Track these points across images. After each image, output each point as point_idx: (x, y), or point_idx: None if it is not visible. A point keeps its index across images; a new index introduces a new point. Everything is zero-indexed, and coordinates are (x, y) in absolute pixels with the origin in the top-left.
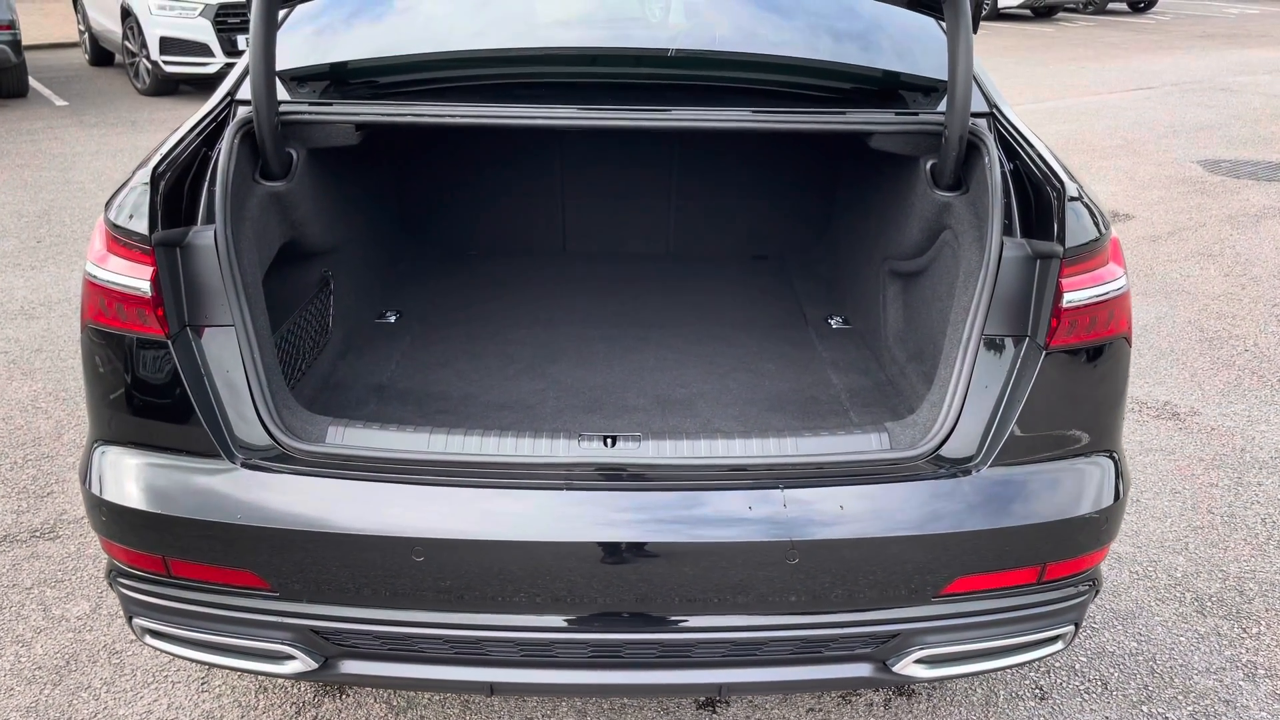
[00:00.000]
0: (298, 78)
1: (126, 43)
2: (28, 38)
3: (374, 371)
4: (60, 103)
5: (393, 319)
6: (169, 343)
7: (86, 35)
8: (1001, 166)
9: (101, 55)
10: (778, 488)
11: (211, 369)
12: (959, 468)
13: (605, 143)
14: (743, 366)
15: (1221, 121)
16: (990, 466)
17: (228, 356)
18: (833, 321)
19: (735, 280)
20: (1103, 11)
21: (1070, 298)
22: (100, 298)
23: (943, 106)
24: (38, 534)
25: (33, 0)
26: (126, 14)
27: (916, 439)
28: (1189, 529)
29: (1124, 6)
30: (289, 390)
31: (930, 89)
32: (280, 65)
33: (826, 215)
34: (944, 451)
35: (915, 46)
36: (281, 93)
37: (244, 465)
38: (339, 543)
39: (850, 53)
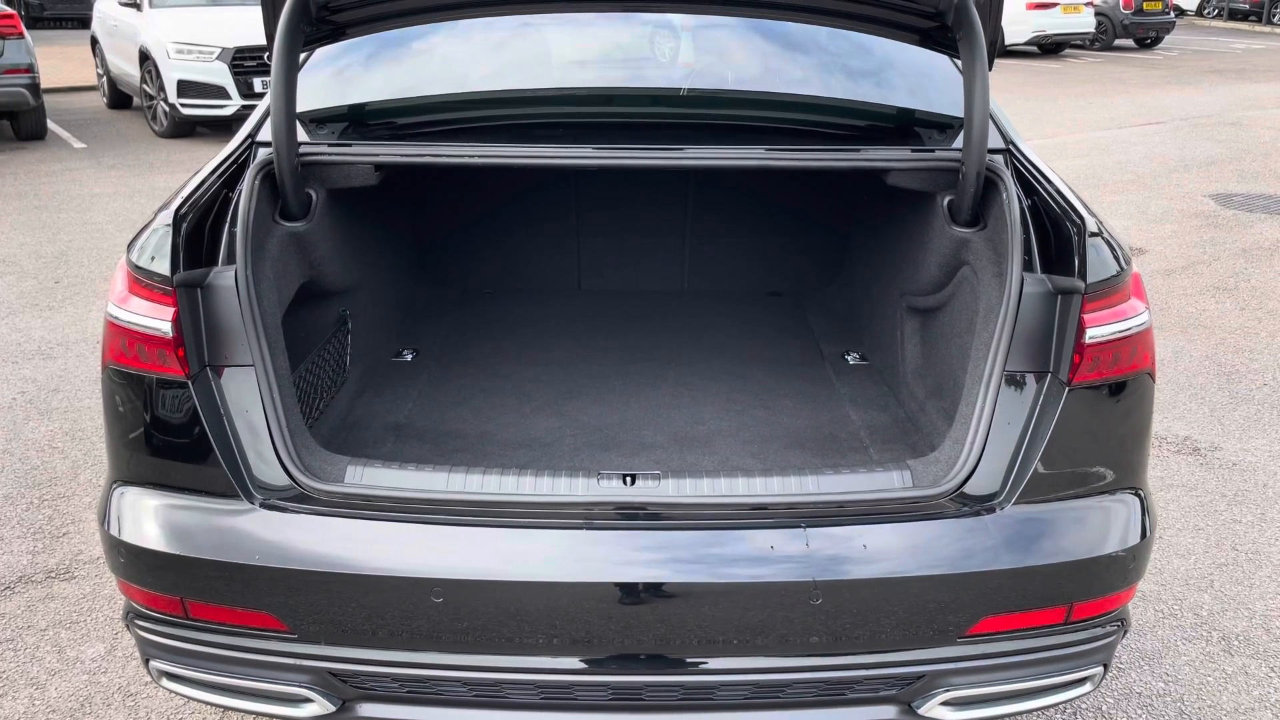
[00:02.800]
0: (317, 119)
1: (144, 86)
2: (46, 81)
3: (391, 410)
4: (79, 145)
5: (409, 357)
6: (189, 383)
7: (105, 79)
8: (1020, 202)
9: (119, 98)
10: (800, 526)
11: (231, 409)
12: (983, 506)
13: (620, 181)
14: (760, 403)
15: (1232, 156)
16: (1014, 504)
17: (247, 396)
18: (850, 358)
19: (751, 317)
20: (1109, 48)
21: (1093, 333)
22: (121, 338)
23: (959, 143)
24: (53, 575)
25: (51, 44)
26: (145, 58)
27: (939, 477)
28: (1213, 566)
29: (1130, 43)
30: (308, 430)
31: (945, 125)
32: (300, 107)
33: (841, 252)
34: (967, 489)
35: (929, 84)
36: (301, 134)
37: (263, 505)
38: (358, 584)
39: (864, 90)
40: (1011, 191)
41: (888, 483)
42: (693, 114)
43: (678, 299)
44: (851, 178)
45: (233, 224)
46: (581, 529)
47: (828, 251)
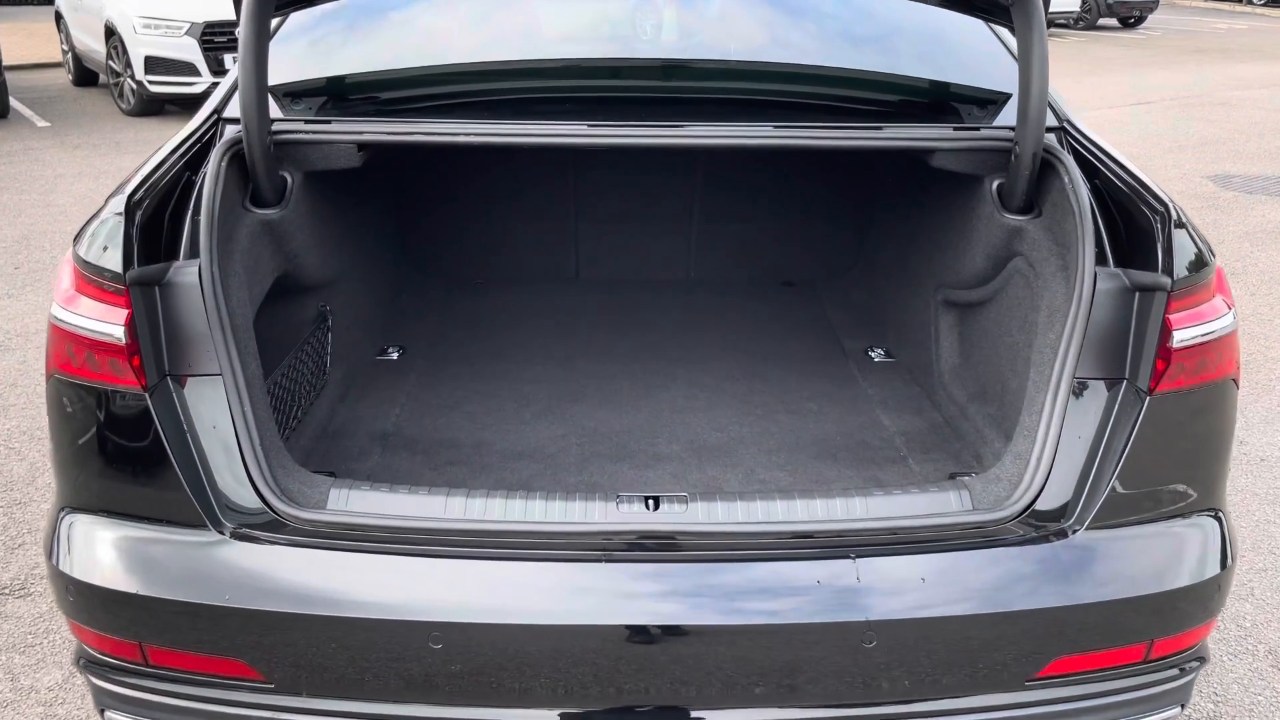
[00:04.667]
0: (292, 93)
1: (110, 62)
2: (9, 57)
3: (377, 417)
4: (42, 124)
5: (395, 356)
6: (147, 396)
7: (70, 55)
8: (1085, 187)
9: (85, 75)
10: (849, 557)
11: (196, 425)
12: (1053, 531)
13: (621, 162)
14: (782, 406)
15: (1226, 136)
16: (1087, 529)
17: (215, 410)
18: (874, 354)
19: (763, 309)
20: (1093, 27)
21: (1180, 336)
22: (68, 345)
23: (1004, 120)
24: (7, 591)
25: (15, 20)
26: (110, 33)
27: (1002, 497)
28: (1252, 572)
29: (1114, 22)
30: (284, 446)
31: (986, 101)
32: (273, 80)
33: (861, 239)
34: (1034, 513)
35: (962, 53)
36: (274, 110)
37: (233, 536)
38: (343, 627)
39: (891, 61)
40: (1075, 174)
41: (945, 504)
42: (701, 88)
43: (683, 289)
44: (874, 159)
45: (196, 212)
46: (600, 561)
47: (846, 239)
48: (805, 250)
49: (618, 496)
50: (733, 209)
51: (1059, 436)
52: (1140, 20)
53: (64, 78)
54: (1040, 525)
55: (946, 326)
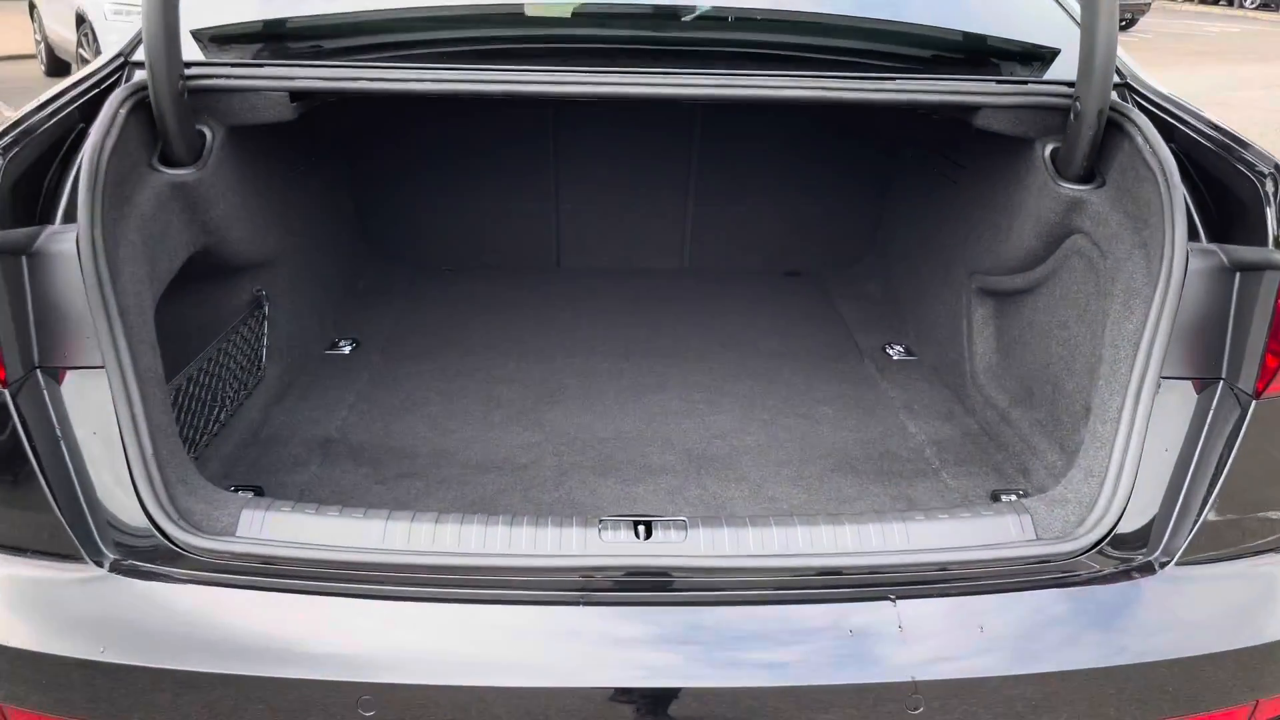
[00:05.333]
0: (220, 38)
1: (80, 50)
2: None
3: (320, 420)
4: (11, 113)
5: (347, 349)
6: (6, 393)
7: (42, 45)
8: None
9: (58, 65)
10: (888, 599)
11: (72, 430)
12: (1136, 566)
13: (608, 131)
14: (791, 409)
15: None
16: (1178, 564)
17: (96, 412)
18: (892, 351)
19: (766, 301)
20: None
21: None
22: None
23: (1057, 74)
24: None
25: None
26: (81, 20)
27: (1071, 524)
28: None
29: None
30: (189, 456)
31: (1030, 57)
32: (196, 22)
33: (876, 222)
34: (1113, 543)
35: (997, 4)
36: (195, 54)
37: (115, 569)
38: (251, 688)
39: (918, 13)
40: (1151, 134)
41: (1003, 532)
42: (701, 39)
43: (677, 279)
44: (893, 126)
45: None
46: (577, 604)
47: (859, 222)
48: (813, 235)
49: (600, 520)
50: (733, 188)
51: (1141, 449)
52: (1132, 23)
53: (37, 69)
54: (1121, 558)
55: (981, 319)
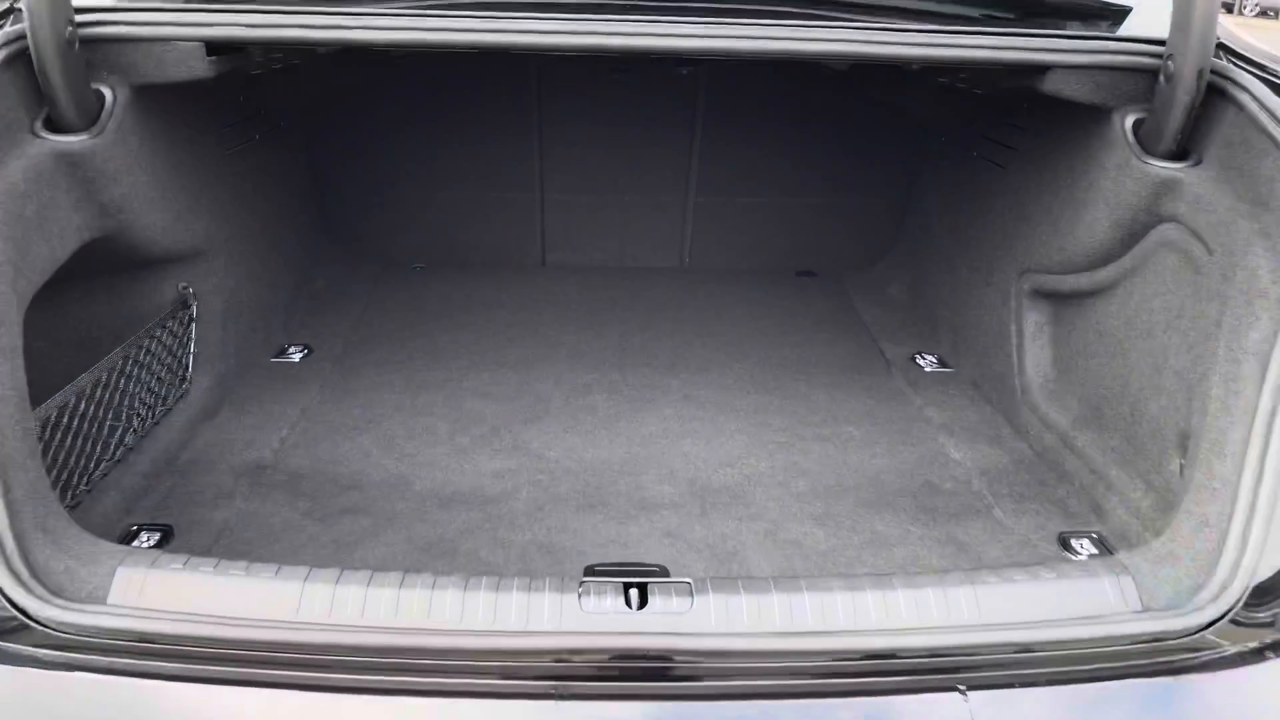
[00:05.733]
0: None
1: None
2: None
3: (255, 440)
4: None
5: (297, 357)
6: None
7: None
8: None
9: None
10: (956, 689)
11: None
12: (1271, 646)
13: (601, 109)
14: (811, 431)
15: None
16: None
17: None
18: (923, 361)
19: (777, 304)
20: None
21: None
22: None
23: (1132, 31)
24: None
25: None
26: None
27: (1185, 590)
28: None
29: None
30: (73, 491)
31: (1097, 15)
32: None
33: (900, 212)
34: (1244, 615)
35: None
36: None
37: None
38: None
39: None
40: (1270, 99)
41: (1098, 599)
42: None
43: (677, 280)
44: (923, 98)
45: None
46: (548, 698)
47: (880, 212)
48: (829, 230)
49: (581, 583)
50: (739, 176)
51: (1277, 494)
52: None
53: None
54: (1255, 627)
55: (1034, 325)
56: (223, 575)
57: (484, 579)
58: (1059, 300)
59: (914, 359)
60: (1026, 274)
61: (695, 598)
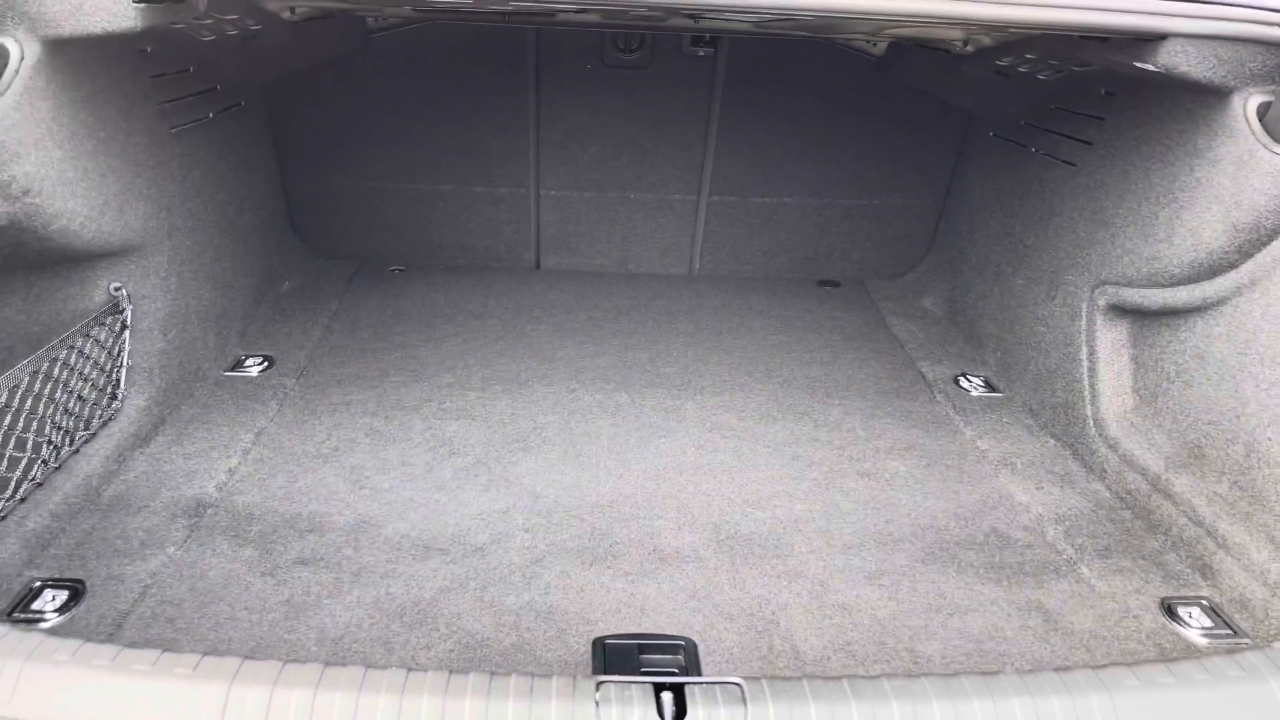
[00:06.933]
0: None
1: None
2: None
3: (197, 471)
4: None
5: (255, 370)
6: None
7: None
8: None
9: None
10: None
11: None
12: None
13: (604, 96)
14: (851, 466)
15: None
16: None
17: None
18: (969, 384)
19: (798, 318)
20: None
21: None
22: None
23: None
24: None
25: None
26: None
27: None
28: None
29: None
30: None
31: None
32: None
33: (937, 216)
34: None
35: None
36: None
37: None
38: None
39: None
40: None
41: (1268, 708)
42: None
43: (686, 288)
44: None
45: None
46: None
47: (914, 215)
48: (855, 234)
49: (598, 688)
50: (756, 173)
51: None
52: None
53: None
54: None
55: (1111, 345)
56: (121, 673)
57: (470, 678)
58: (1143, 318)
59: (957, 381)
60: (1102, 287)
61: (749, 707)
